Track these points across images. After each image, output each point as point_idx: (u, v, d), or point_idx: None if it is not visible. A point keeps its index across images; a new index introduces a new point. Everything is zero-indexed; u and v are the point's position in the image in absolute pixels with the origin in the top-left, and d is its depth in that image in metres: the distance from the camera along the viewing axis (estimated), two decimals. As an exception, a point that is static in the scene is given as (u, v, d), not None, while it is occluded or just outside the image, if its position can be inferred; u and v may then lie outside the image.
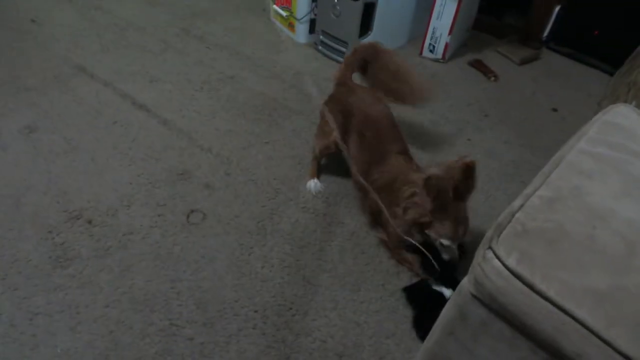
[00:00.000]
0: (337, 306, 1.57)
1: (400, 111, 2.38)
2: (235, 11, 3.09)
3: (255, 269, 1.65)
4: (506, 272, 0.82)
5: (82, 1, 3.04)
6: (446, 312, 0.99)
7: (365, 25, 2.56)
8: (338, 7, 2.52)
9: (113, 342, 1.42)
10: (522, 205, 0.93)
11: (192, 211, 1.82)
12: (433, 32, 2.70)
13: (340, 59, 2.68)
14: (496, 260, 0.84)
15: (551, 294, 0.79)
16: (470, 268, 0.92)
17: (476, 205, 1.96)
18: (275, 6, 2.89)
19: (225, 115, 2.27)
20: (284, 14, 2.83)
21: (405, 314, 1.57)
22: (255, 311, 1.53)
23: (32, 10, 2.87)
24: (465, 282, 0.92)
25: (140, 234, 1.72)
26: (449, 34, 2.66)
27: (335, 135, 1.84)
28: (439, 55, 2.76)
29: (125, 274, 1.59)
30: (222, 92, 2.42)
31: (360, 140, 1.78)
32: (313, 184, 1.95)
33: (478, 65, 2.79)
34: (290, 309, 1.55)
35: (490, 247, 0.86)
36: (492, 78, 2.72)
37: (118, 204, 1.81)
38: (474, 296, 0.90)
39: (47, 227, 1.70)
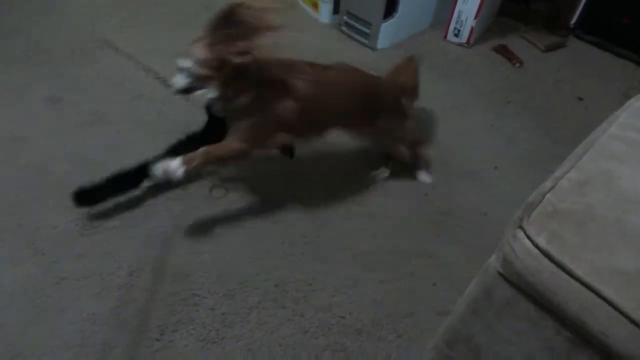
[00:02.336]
0: (356, 284, 1.59)
1: (421, 94, 2.39)
2: (258, -11, 3.08)
3: (276, 244, 1.67)
4: (536, 251, 0.83)
5: None
6: (471, 290, 1.00)
7: (391, 6, 2.54)
8: (364, -13, 2.50)
9: (136, 309, 1.46)
10: (552, 187, 0.93)
11: (215, 186, 1.84)
12: (459, 16, 2.67)
13: (365, 41, 2.66)
14: (526, 240, 0.85)
15: (580, 273, 0.80)
16: (498, 246, 0.92)
17: (497, 190, 1.96)
18: (299, -15, 2.87)
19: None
20: (308, -7, 2.82)
21: (422, 295, 1.58)
22: (276, 285, 1.56)
23: None
24: (493, 261, 0.93)
25: (165, 206, 1.74)
26: (475, 18, 2.62)
27: None
28: (464, 40, 2.73)
29: (149, 244, 1.63)
30: (245, 69, 2.42)
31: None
32: None
33: (502, 50, 2.76)
34: (310, 284, 1.57)
35: (520, 227, 0.86)
36: (517, 64, 2.68)
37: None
38: (501, 275, 0.90)
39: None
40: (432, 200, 1.90)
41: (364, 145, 1.99)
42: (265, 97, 1.48)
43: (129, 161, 1.86)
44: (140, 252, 1.60)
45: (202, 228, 1.69)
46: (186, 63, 1.41)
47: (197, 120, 2.05)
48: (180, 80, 1.45)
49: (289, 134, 1.62)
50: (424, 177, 1.96)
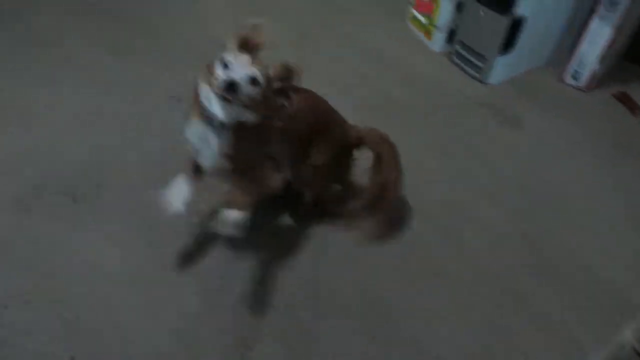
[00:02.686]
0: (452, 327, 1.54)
1: (530, 132, 2.31)
2: (374, 12, 3.10)
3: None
4: (687, 337, 0.76)
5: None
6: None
7: (509, 41, 2.47)
8: (483, 20, 2.46)
9: (237, 313, 1.50)
10: None
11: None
12: (581, 58, 2.54)
13: (475, 73, 2.61)
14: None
15: None
16: (636, 324, 0.86)
17: (604, 244, 1.85)
18: (414, 11, 2.87)
19: (353, 113, 2.29)
20: (423, 20, 2.80)
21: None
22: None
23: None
24: (629, 337, 0.86)
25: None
26: (599, 62, 2.49)
27: None
28: (582, 84, 2.60)
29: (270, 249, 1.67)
30: (355, 92, 2.44)
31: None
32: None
33: (623, 98, 2.60)
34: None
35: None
36: (639, 114, 2.52)
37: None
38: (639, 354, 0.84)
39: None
40: (534, 243, 1.83)
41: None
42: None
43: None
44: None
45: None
46: (258, 73, 1.27)
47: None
48: (244, 86, 1.25)
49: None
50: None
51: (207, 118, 1.32)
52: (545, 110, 2.47)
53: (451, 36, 2.72)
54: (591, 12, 2.43)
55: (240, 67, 1.25)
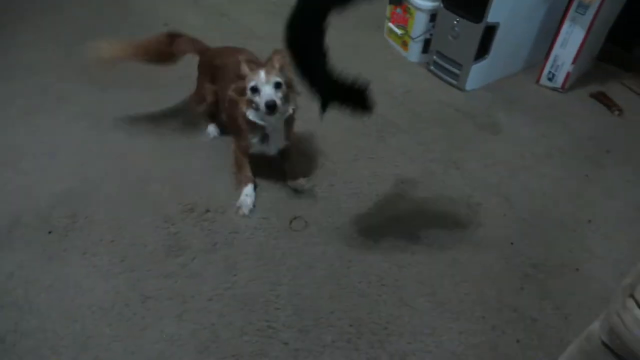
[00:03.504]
0: (434, 332, 1.52)
1: (511, 138, 2.31)
2: (351, 27, 3.14)
3: (353, 283, 1.65)
4: (651, 325, 0.75)
5: (209, 8, 3.24)
6: (570, 357, 0.92)
7: (483, 48, 2.50)
8: (457, 29, 2.48)
9: (214, 334, 1.48)
10: (669, 254, 0.85)
11: (295, 217, 1.86)
12: (554, 60, 2.57)
13: (453, 81, 2.63)
14: (638, 310, 0.77)
15: None
16: (604, 314, 0.85)
17: (592, 246, 1.83)
18: (390, 24, 2.90)
19: (332, 127, 2.30)
20: (398, 32, 2.84)
21: (508, 352, 1.49)
22: (350, 325, 1.53)
23: (165, 15, 3.09)
24: (596, 329, 0.86)
25: (246, 233, 1.78)
26: (573, 63, 2.51)
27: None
28: (558, 85, 2.62)
29: (229, 270, 1.66)
30: (331, 104, 2.46)
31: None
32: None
33: (601, 97, 2.62)
34: (386, 328, 1.53)
35: (632, 296, 0.79)
36: (617, 112, 2.53)
37: (227, 202, 1.89)
38: (606, 345, 0.83)
39: (164, 217, 1.82)
40: (520, 250, 1.80)
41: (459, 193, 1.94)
42: None
43: (216, 188, 1.94)
44: (221, 277, 1.64)
45: (280, 260, 1.71)
46: (277, 78, 1.64)
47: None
48: (277, 95, 1.63)
49: None
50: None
51: (262, 128, 1.76)
52: (524, 114, 2.48)
53: (427, 46, 2.75)
54: (563, 15, 2.47)
55: (266, 86, 1.62)
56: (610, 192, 2.08)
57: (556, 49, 2.54)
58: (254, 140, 1.81)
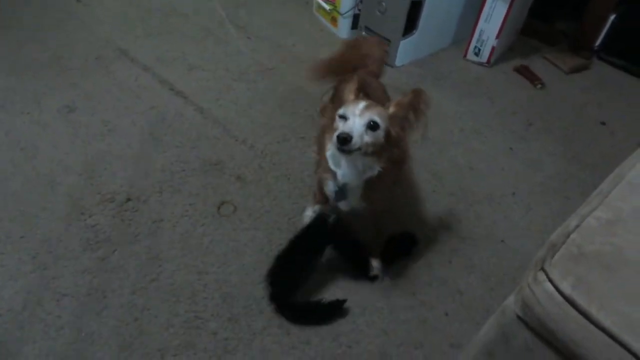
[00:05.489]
0: (365, 312, 1.52)
1: (440, 115, 2.33)
2: (279, 3, 3.06)
3: (284, 267, 1.62)
4: (559, 298, 0.76)
5: None
6: (487, 331, 0.93)
7: (410, 23, 2.49)
8: (384, 4, 2.46)
9: (138, 329, 1.41)
10: (577, 226, 0.86)
11: (223, 203, 1.80)
12: (480, 35, 2.61)
13: (382, 57, 2.62)
14: (548, 284, 0.78)
15: (608, 324, 0.73)
16: (518, 288, 0.86)
17: (516, 218, 1.89)
18: (319, 0, 2.84)
19: (262, 107, 2.24)
20: (327, 7, 2.78)
21: (436, 325, 1.51)
22: (281, 310, 1.50)
23: None
24: (511, 303, 0.86)
25: (171, 222, 1.70)
26: (497, 38, 2.56)
27: None
28: (484, 59, 2.67)
29: (153, 261, 1.58)
30: (260, 83, 2.39)
31: None
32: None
33: (524, 71, 2.69)
34: (317, 310, 1.51)
35: (542, 269, 0.80)
36: (539, 86, 2.61)
37: (150, 190, 1.80)
38: (520, 318, 0.84)
39: (79, 209, 1.70)
40: (447, 225, 1.83)
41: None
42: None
43: (137, 175, 1.84)
44: (143, 270, 1.56)
45: (208, 247, 1.64)
46: (377, 119, 1.25)
47: (208, 135, 2.03)
48: (361, 134, 1.24)
49: None
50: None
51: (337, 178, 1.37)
52: (452, 89, 2.51)
53: (356, 22, 2.72)
54: (487, -10, 2.50)
55: (357, 118, 1.24)
56: (533, 165, 2.15)
57: (481, 24, 2.58)
58: (328, 179, 1.44)
